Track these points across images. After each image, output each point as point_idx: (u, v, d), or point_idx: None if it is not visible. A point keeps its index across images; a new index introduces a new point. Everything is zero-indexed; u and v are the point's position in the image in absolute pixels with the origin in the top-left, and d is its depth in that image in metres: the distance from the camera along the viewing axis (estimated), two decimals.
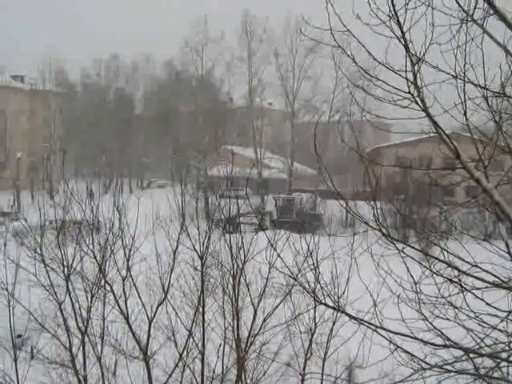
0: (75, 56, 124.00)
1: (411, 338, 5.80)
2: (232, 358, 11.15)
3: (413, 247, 5.92)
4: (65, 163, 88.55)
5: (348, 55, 5.67)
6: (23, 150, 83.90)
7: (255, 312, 10.86)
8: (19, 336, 13.42)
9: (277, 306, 10.97)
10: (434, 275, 5.81)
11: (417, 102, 5.39)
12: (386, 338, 5.91)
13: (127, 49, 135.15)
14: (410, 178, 39.02)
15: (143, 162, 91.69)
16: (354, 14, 5.49)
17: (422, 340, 5.73)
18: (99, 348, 11.22)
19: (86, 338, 11.18)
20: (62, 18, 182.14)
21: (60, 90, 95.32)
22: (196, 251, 10.94)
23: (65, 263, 11.17)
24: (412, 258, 5.82)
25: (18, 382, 11.15)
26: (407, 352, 5.89)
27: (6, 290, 10.92)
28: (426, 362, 5.68)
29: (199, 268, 11.02)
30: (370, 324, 5.95)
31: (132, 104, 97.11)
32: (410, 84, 5.34)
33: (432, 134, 5.62)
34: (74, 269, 11.23)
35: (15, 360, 11.32)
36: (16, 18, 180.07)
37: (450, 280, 5.63)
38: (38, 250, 11.27)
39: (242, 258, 10.78)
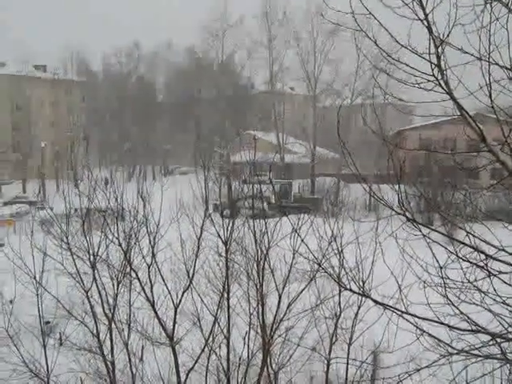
0: (96, 45, 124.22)
1: (437, 322, 5.77)
2: (257, 343, 11.20)
3: (438, 231, 5.87)
4: (88, 151, 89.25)
5: (370, 38, 5.60)
6: (47, 140, 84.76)
7: (280, 297, 10.88)
8: (47, 323, 13.62)
9: (301, 291, 10.98)
10: (460, 260, 5.75)
11: (441, 85, 5.32)
12: (411, 323, 5.88)
13: (148, 37, 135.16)
14: (433, 160, 38.62)
15: (166, 149, 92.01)
16: None
17: (448, 325, 5.69)
18: (126, 334, 11.35)
19: (112, 324, 11.31)
20: (82, 7, 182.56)
21: (82, 79, 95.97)
22: (220, 237, 10.97)
23: (91, 251, 11.29)
24: (437, 242, 5.77)
25: (47, 368, 11.33)
26: (433, 337, 5.86)
27: (34, 278, 11.06)
28: (452, 347, 5.64)
29: (224, 254, 11.06)
30: (396, 309, 5.93)
31: (153, 91, 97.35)
32: (433, 66, 5.27)
33: (456, 116, 5.54)
34: (100, 256, 11.34)
35: (44, 347, 11.49)
36: (38, 8, 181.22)
37: (476, 265, 5.57)
38: (65, 238, 11.39)
39: (266, 243, 10.78)
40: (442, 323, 5.75)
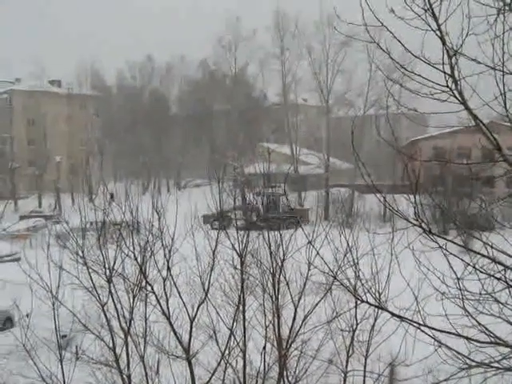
0: (110, 59, 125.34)
1: (455, 334, 5.72)
2: (273, 355, 11.15)
3: (454, 242, 5.82)
4: (103, 165, 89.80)
5: (383, 50, 5.60)
6: (62, 154, 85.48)
7: (295, 310, 10.84)
8: (64, 336, 13.65)
9: (317, 304, 10.93)
10: (477, 271, 5.71)
11: (455, 95, 5.31)
12: (429, 335, 5.84)
13: (161, 51, 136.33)
14: (448, 170, 38.45)
15: (180, 162, 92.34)
16: (387, 7, 5.42)
17: (466, 337, 5.64)
18: (142, 348, 11.34)
19: (129, 338, 11.31)
20: (96, 22, 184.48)
21: (96, 93, 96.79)
22: (235, 250, 10.97)
23: (106, 265, 11.33)
24: (454, 255, 5.73)
25: (64, 382, 11.34)
26: (451, 349, 5.81)
27: (51, 292, 11.11)
28: (471, 359, 5.59)
29: (239, 267, 11.05)
30: (413, 321, 5.89)
31: (167, 104, 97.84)
32: (447, 77, 5.26)
33: (471, 126, 5.52)
34: (116, 270, 11.37)
35: (61, 360, 11.51)
36: (53, 23, 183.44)
37: (494, 276, 5.52)
38: (80, 252, 11.44)
39: (281, 255, 10.76)
40: (460, 335, 5.70)
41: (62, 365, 11.41)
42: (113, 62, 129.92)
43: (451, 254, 5.69)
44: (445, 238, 5.89)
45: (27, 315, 12.43)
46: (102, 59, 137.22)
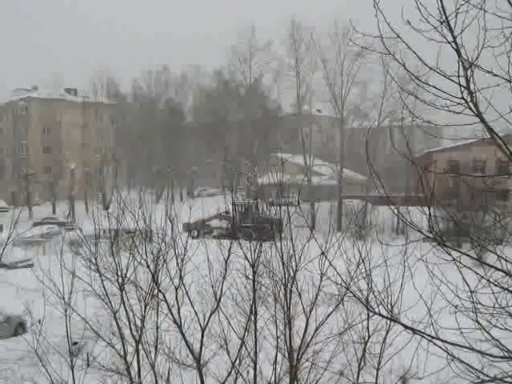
0: (126, 68, 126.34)
1: (468, 348, 5.67)
2: (284, 366, 11.10)
3: (468, 255, 5.79)
4: (117, 173, 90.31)
5: (399, 62, 5.60)
6: (77, 161, 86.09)
7: (307, 320, 10.80)
8: (75, 343, 13.69)
9: (329, 315, 10.88)
10: (491, 284, 5.66)
11: (470, 107, 5.29)
12: (441, 349, 5.79)
13: (176, 60, 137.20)
14: (462, 182, 38.20)
15: (193, 171, 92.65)
16: (403, 19, 5.42)
17: (479, 351, 5.59)
18: (153, 356, 11.34)
19: (140, 346, 11.32)
20: (111, 33, 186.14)
21: (111, 101, 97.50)
22: (248, 260, 10.96)
23: (119, 273, 11.36)
24: (468, 267, 5.69)
25: None
26: (464, 363, 5.76)
27: (63, 298, 11.16)
28: (484, 374, 5.54)
29: (251, 277, 11.03)
30: (425, 334, 5.84)
31: (182, 114, 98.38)
32: (462, 89, 5.24)
33: (486, 139, 5.50)
34: (128, 278, 11.40)
35: (72, 367, 11.53)
36: (69, 32, 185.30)
37: (508, 289, 5.48)
38: (93, 259, 11.49)
39: (294, 266, 10.74)
40: (473, 349, 5.65)
41: (72, 371, 11.43)
42: (128, 71, 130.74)
43: (465, 266, 5.66)
44: (458, 251, 5.86)
45: (39, 321, 12.50)
46: (118, 68, 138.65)
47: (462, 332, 5.99)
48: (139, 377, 11.31)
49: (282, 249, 10.77)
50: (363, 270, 9.40)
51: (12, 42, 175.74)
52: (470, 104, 5.26)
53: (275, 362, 10.97)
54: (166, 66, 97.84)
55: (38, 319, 12.69)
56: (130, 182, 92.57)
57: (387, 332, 10.36)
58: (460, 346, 5.63)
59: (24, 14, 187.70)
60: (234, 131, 77.63)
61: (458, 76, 5.25)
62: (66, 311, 11.20)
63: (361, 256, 9.58)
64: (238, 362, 10.87)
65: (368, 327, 10.62)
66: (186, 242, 11.42)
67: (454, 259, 5.66)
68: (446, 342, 5.69)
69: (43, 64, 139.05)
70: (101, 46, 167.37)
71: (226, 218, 55.25)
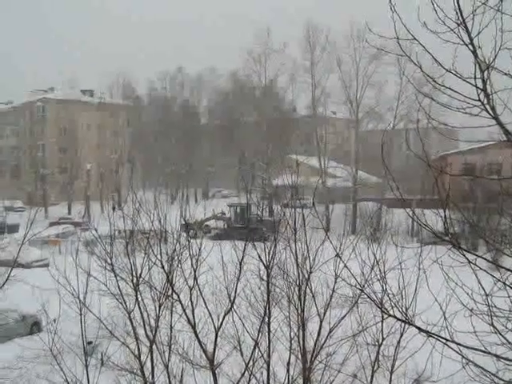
0: (141, 69, 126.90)
1: (483, 352, 5.64)
2: (298, 368, 11.09)
3: (484, 258, 5.75)
4: (132, 174, 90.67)
5: (415, 63, 5.59)
6: (92, 162, 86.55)
7: (321, 322, 10.78)
8: (90, 343, 13.77)
9: (343, 317, 10.86)
10: (507, 287, 5.63)
11: (486, 110, 5.26)
12: (456, 352, 5.76)
13: (192, 62, 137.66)
14: (478, 185, 38.01)
15: (208, 172, 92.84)
16: (419, 21, 5.41)
17: (494, 354, 5.56)
18: (167, 356, 11.37)
19: (154, 346, 11.36)
20: (127, 34, 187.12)
21: (127, 102, 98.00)
22: (262, 261, 10.96)
23: (134, 273, 11.41)
24: (484, 270, 5.65)
25: None
26: (479, 366, 5.72)
27: (78, 298, 11.21)
28: (499, 378, 5.51)
29: (265, 278, 11.03)
30: (440, 337, 5.81)
31: (197, 115, 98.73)
32: (479, 91, 5.22)
33: (502, 141, 5.47)
34: (143, 278, 11.44)
35: (86, 366, 11.59)
36: (85, 33, 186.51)
37: None
38: (108, 259, 11.54)
39: (308, 268, 10.73)
40: (488, 352, 5.62)
41: (87, 370, 11.50)
42: (144, 72, 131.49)
43: (481, 269, 5.62)
44: (474, 254, 5.83)
45: (54, 320, 12.55)
46: (134, 70, 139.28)
47: (477, 335, 5.95)
48: (153, 377, 11.35)
49: (296, 250, 10.77)
50: (378, 273, 9.37)
51: (28, 43, 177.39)
52: (487, 106, 5.23)
53: (289, 363, 10.97)
54: (181, 67, 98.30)
55: (53, 318, 12.74)
56: (145, 183, 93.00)
57: (401, 335, 10.32)
58: (475, 349, 5.59)
59: (42, 16, 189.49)
60: (248, 133, 77.64)
61: (475, 78, 5.23)
62: (81, 311, 11.26)
63: (375, 258, 9.55)
64: (251, 363, 10.87)
65: (382, 330, 10.58)
66: (201, 243, 11.46)
67: (469, 262, 5.63)
68: (460, 345, 5.66)
69: (60, 66, 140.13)
70: (115, 47, 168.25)
71: (221, 218, 56.06)
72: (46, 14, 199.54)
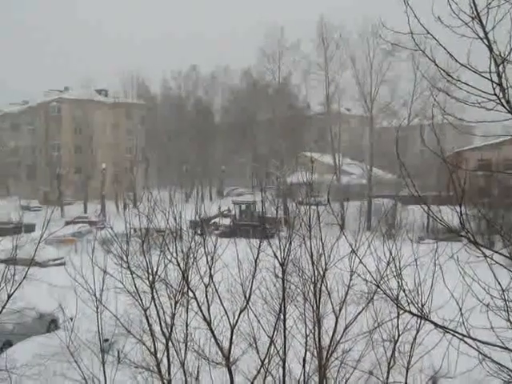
0: (155, 68, 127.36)
1: (500, 347, 5.61)
2: (313, 365, 11.09)
3: (501, 253, 5.72)
4: (147, 173, 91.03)
5: (430, 58, 5.56)
6: (107, 161, 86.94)
7: (336, 319, 10.78)
8: (106, 340, 13.84)
9: (359, 314, 10.84)
10: None
11: (502, 104, 5.23)
12: (473, 348, 5.74)
13: (205, 60, 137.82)
14: (493, 181, 37.75)
15: (222, 170, 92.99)
16: (433, 15, 5.38)
17: None
18: (183, 353, 11.42)
19: (170, 343, 11.41)
20: (141, 32, 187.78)
21: (141, 102, 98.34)
22: (277, 258, 10.97)
23: (149, 270, 11.47)
24: (501, 264, 5.62)
25: None
26: (496, 362, 5.70)
27: (95, 296, 11.29)
28: None
29: (280, 275, 11.04)
30: (457, 333, 5.79)
31: (211, 113, 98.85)
32: (494, 85, 5.19)
33: None
34: (159, 276, 11.50)
35: (103, 363, 11.67)
36: (100, 33, 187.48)
37: None
38: (124, 257, 11.61)
39: (323, 264, 10.72)
40: (505, 348, 5.59)
41: (104, 367, 11.57)
42: (158, 71, 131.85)
43: (497, 263, 5.59)
44: (490, 249, 5.80)
45: (71, 318, 12.66)
46: (148, 69, 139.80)
47: (494, 331, 5.92)
48: (169, 374, 11.40)
49: (311, 247, 10.77)
50: (393, 269, 9.34)
51: (45, 45, 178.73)
52: (503, 100, 5.20)
53: (304, 360, 10.98)
54: (195, 66, 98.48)
55: (70, 316, 12.85)
56: (159, 182, 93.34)
57: (417, 331, 10.28)
58: (492, 344, 5.57)
59: (57, 17, 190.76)
60: (262, 130, 77.63)
61: (490, 72, 5.20)
62: (97, 308, 11.33)
63: (391, 254, 9.53)
64: (267, 360, 10.90)
65: (398, 326, 10.56)
66: (216, 241, 11.49)
67: (485, 257, 5.60)
68: (477, 340, 5.63)
69: (75, 66, 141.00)
70: (130, 46, 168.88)
71: (227, 215, 56.54)
72: (58, 11, 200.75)
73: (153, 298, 11.44)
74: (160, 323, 11.50)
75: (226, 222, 55.35)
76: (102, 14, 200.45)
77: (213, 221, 51.15)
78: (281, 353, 11.06)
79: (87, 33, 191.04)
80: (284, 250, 10.91)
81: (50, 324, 23.78)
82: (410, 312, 6.53)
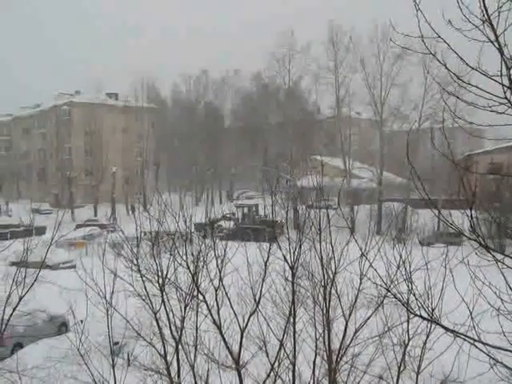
0: (166, 72, 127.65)
1: (511, 352, 5.57)
2: (323, 369, 11.06)
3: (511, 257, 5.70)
4: (158, 176, 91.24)
5: (440, 62, 5.55)
6: (118, 165, 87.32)
7: (346, 323, 10.75)
8: (116, 343, 13.88)
9: (368, 318, 10.81)
10: None
11: None
12: (484, 352, 5.71)
13: (215, 64, 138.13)
14: (505, 185, 37.54)
15: (233, 174, 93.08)
16: (444, 19, 5.38)
17: None
18: (192, 356, 11.43)
19: (179, 346, 11.42)
20: (151, 37, 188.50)
21: (152, 105, 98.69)
22: (287, 262, 10.96)
23: (159, 273, 11.49)
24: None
25: None
26: (508, 367, 5.67)
27: (105, 298, 11.31)
28: None
29: (290, 278, 11.03)
30: (467, 337, 5.77)
31: (221, 117, 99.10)
32: (505, 89, 5.17)
33: None
34: (169, 279, 11.52)
35: (113, 366, 11.68)
36: (111, 37, 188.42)
37: None
38: (135, 260, 11.64)
39: (333, 268, 10.70)
40: None
41: (114, 370, 11.59)
42: (168, 75, 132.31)
43: (508, 267, 5.56)
44: (501, 253, 5.77)
45: (81, 321, 12.69)
46: (158, 73, 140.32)
47: (505, 335, 5.90)
48: (179, 377, 11.41)
49: (321, 251, 10.75)
50: (403, 273, 9.32)
51: (54, 49, 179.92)
52: None
53: (314, 364, 10.95)
54: (205, 70, 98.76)
55: (81, 319, 12.88)
56: (170, 185, 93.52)
57: (428, 335, 10.24)
58: (503, 349, 5.54)
59: (65, 22, 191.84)
60: (272, 134, 77.69)
61: (501, 75, 5.18)
62: (107, 311, 11.35)
63: (401, 258, 9.50)
64: (276, 363, 10.88)
65: (408, 330, 10.52)
66: (226, 244, 11.50)
67: (496, 261, 5.58)
68: (488, 345, 5.61)
69: (85, 70, 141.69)
70: (140, 49, 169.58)
71: (231, 218, 56.89)
72: (71, 15, 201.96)
73: (163, 301, 11.47)
74: (170, 326, 11.52)
75: (230, 225, 55.59)
76: (117, 20, 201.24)
77: (218, 223, 51.38)
78: (290, 356, 11.04)
79: (99, 36, 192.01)
80: (294, 253, 10.91)
81: (61, 326, 23.90)
82: (421, 316, 6.51)
